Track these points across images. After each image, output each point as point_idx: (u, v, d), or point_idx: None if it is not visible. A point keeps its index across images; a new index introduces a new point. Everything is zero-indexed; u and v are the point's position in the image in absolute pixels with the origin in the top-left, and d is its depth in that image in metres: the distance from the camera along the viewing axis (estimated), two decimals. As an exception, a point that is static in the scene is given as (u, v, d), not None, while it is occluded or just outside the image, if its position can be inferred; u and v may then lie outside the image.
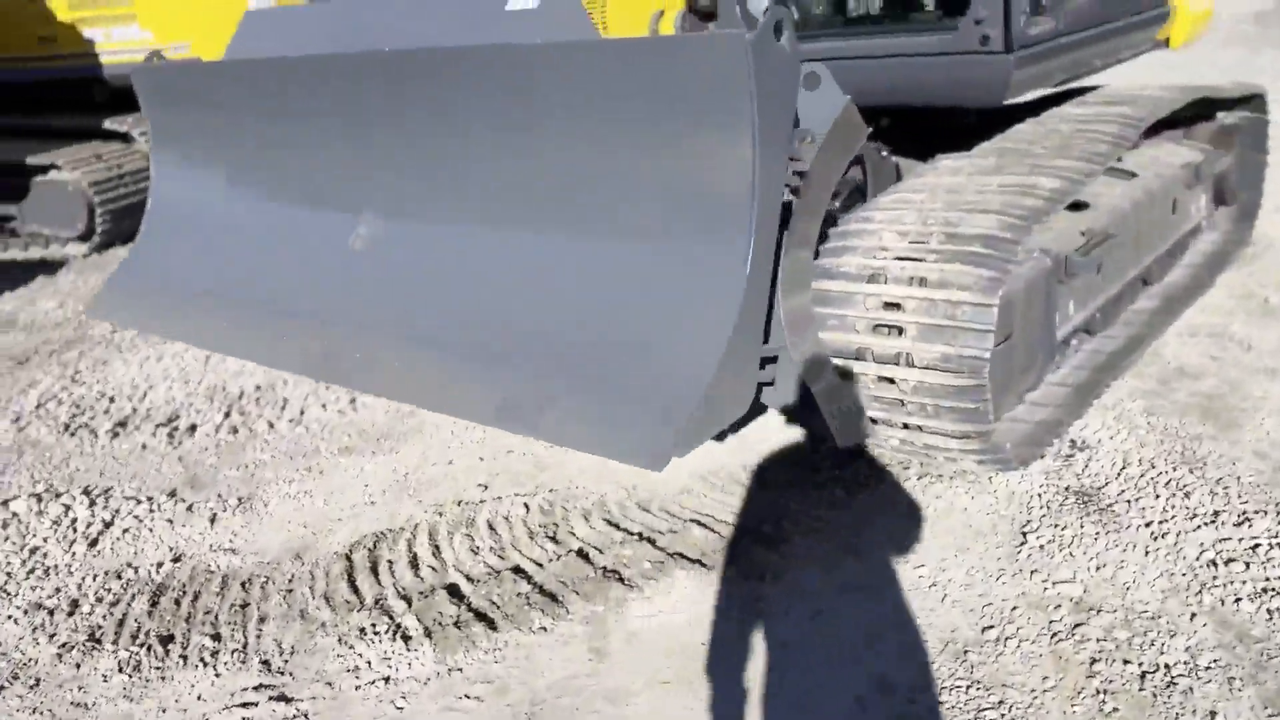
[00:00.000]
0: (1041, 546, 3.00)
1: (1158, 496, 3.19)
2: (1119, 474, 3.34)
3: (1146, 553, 2.93)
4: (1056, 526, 3.09)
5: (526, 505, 3.44)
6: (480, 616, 2.86)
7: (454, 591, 2.99)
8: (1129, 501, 3.19)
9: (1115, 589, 2.79)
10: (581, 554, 3.12)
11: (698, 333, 2.34)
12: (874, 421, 3.27)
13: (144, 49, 8.57)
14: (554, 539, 3.22)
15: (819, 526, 3.16)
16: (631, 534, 3.20)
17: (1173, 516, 3.08)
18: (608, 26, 4.37)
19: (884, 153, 4.03)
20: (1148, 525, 3.05)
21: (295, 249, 3.07)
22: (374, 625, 2.86)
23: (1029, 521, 3.13)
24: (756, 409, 2.86)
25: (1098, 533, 3.04)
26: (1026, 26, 3.35)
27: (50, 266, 7.61)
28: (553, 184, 2.70)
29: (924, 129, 4.28)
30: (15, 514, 3.80)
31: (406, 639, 2.78)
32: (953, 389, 3.05)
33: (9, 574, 3.42)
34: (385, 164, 2.90)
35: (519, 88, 2.61)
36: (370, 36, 2.87)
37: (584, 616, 2.83)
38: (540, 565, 3.08)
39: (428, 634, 2.79)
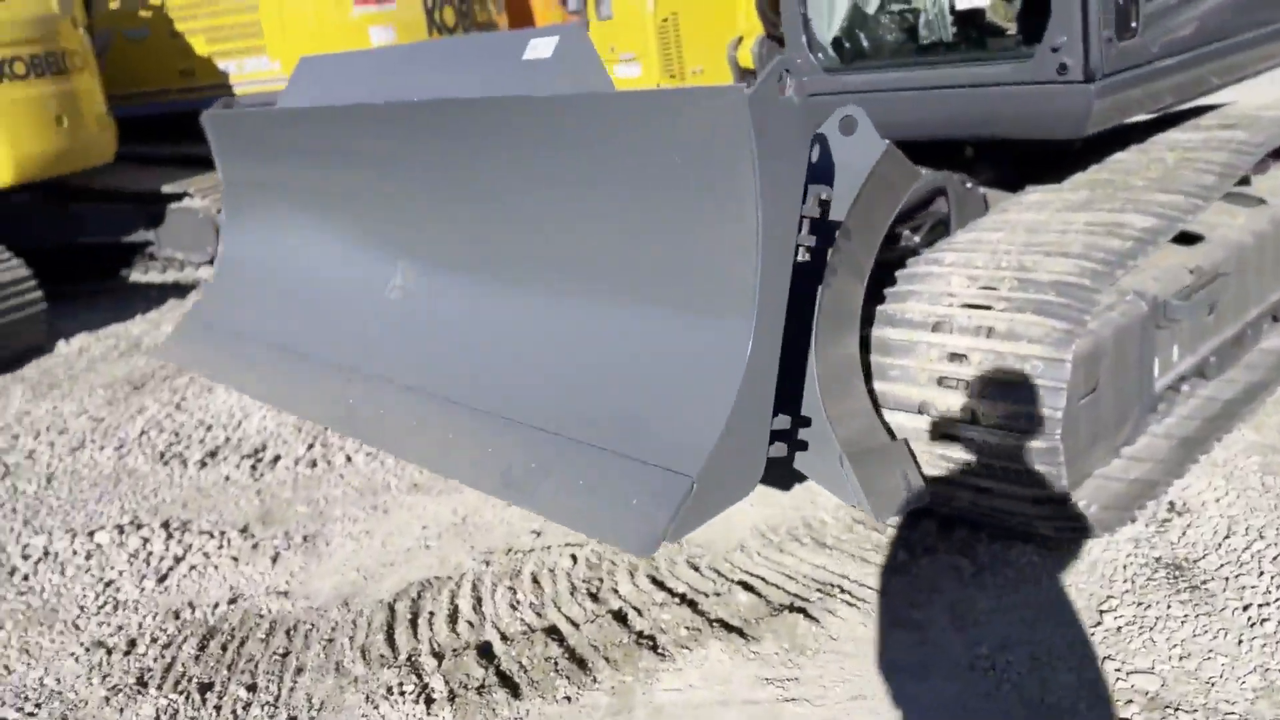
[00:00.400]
0: (1119, 628, 2.71)
1: (1262, 574, 2.85)
2: (1220, 545, 3.01)
3: (1240, 641, 2.61)
4: (1139, 605, 2.79)
5: (574, 557, 3.34)
6: (506, 681, 2.77)
7: (485, 651, 2.91)
8: (1227, 578, 2.86)
9: (1198, 684, 2.49)
10: (619, 616, 2.99)
11: (695, 411, 2.19)
12: (941, 482, 3.04)
13: (273, 79, 8.91)
14: (595, 597, 3.11)
15: (871, 597, 2.94)
16: (674, 595, 3.06)
17: (1277, 599, 2.74)
18: (682, 54, 4.24)
19: (968, 184, 3.77)
20: (1245, 608, 2.73)
21: (339, 298, 3.06)
22: (401, 685, 2.80)
23: (1109, 597, 2.84)
24: (798, 474, 2.68)
25: (1186, 614, 2.73)
26: (1112, 52, 3.05)
27: (181, 290, 7.97)
28: (557, 241, 2.60)
29: (1020, 155, 3.98)
30: (99, 545, 3.94)
31: (430, 702, 2.71)
32: (1021, 450, 2.79)
33: (82, 607, 3.53)
34: (414, 213, 2.86)
35: (513, 141, 2.52)
36: (401, 85, 2.83)
37: (611, 686, 2.70)
38: (576, 626, 2.97)
39: (451, 698, 2.72)
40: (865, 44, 3.54)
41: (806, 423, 2.56)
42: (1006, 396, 2.80)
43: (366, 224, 3.02)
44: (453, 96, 2.57)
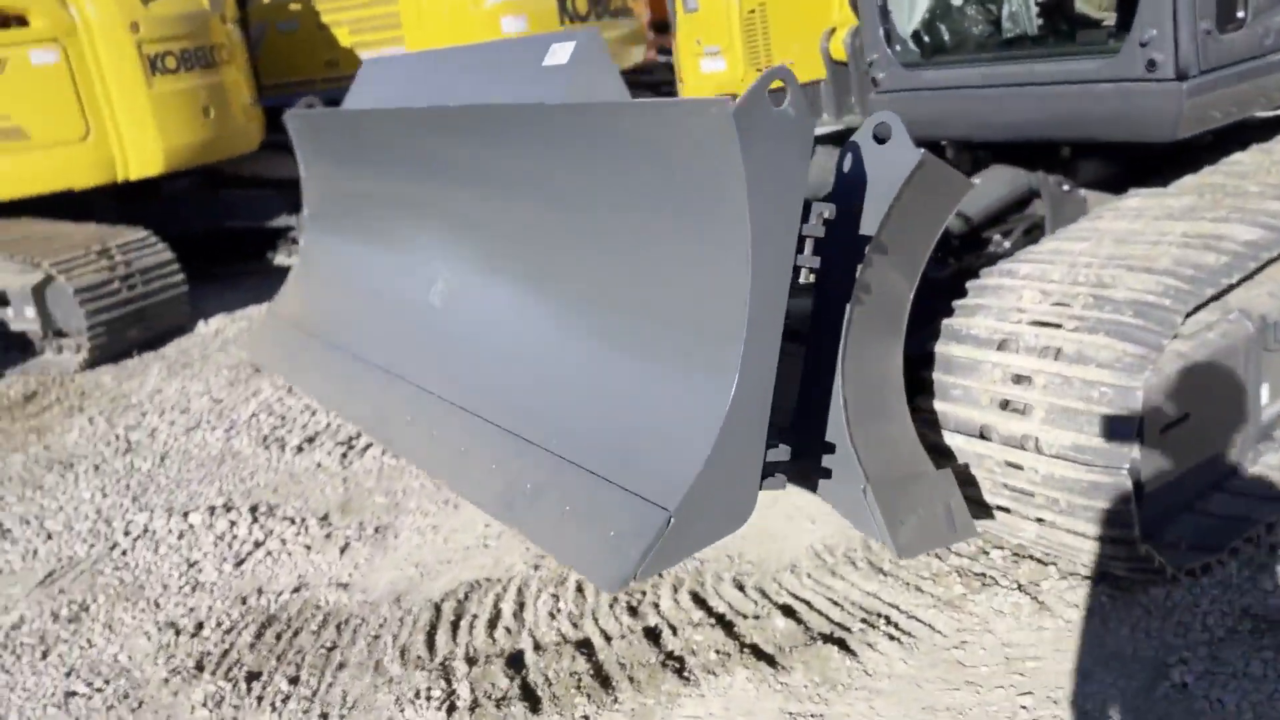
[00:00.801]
0: (1184, 685, 2.46)
1: (1364, 635, 2.54)
2: (1321, 598, 2.70)
3: (1323, 712, 2.33)
4: (1213, 659, 2.53)
5: (623, 568, 3.28)
6: (528, 694, 2.74)
7: (516, 661, 2.89)
8: (1322, 638, 2.56)
9: (1265, 757, 2.24)
10: (653, 633, 2.92)
11: (681, 440, 2.08)
12: (1004, 512, 2.84)
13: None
14: (634, 610, 3.04)
15: (918, 631, 2.77)
16: (713, 615, 2.97)
17: (1376, 666, 2.44)
18: (770, 47, 4.08)
19: (1066, 186, 3.49)
20: (1337, 674, 2.43)
21: (391, 301, 3.08)
22: (430, 690, 2.81)
23: (1181, 649, 2.58)
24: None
25: (1266, 674, 2.46)
26: (1211, 46, 2.74)
27: (316, 273, 8.26)
28: (559, 254, 2.53)
29: (1130, 154, 3.67)
30: (191, 525, 4.12)
31: (451, 710, 2.71)
32: (1087, 485, 2.57)
33: (165, 586, 3.70)
34: (449, 218, 2.85)
35: (515, 149, 2.47)
36: (439, 89, 2.81)
37: (631, 709, 2.64)
38: (608, 640, 2.92)
39: (472, 707, 2.72)
40: (946, 37, 3.31)
41: (830, 449, 2.42)
42: (1072, 425, 2.58)
43: (414, 227, 3.03)
44: (466, 103, 2.54)
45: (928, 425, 2.93)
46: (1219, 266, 2.68)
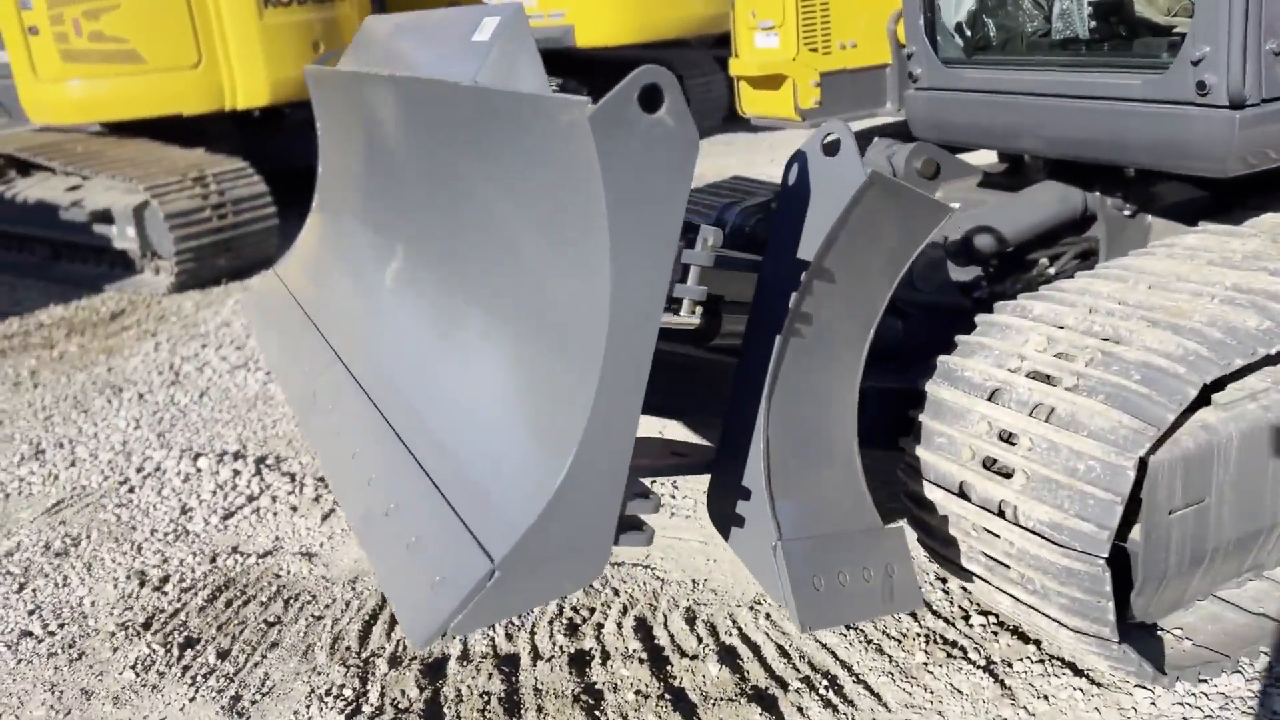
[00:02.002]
0: (1144, 818, 2.12)
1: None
2: (1340, 732, 2.29)
3: None
4: (1188, 791, 2.18)
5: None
6: (432, 710, 2.59)
7: (436, 670, 2.75)
8: (1326, 784, 2.17)
9: None
10: (581, 659, 2.73)
11: (525, 478, 1.84)
12: (980, 580, 2.53)
13: (532, 15, 8.98)
14: (574, 630, 2.85)
15: (861, 700, 2.49)
16: (650, 649, 2.75)
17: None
18: (829, 26, 3.72)
19: (1127, 211, 3.06)
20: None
21: (357, 275, 2.93)
22: (342, 688, 2.70)
23: (1153, 771, 2.23)
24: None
25: (1244, 822, 2.10)
26: (1275, 71, 2.29)
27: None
28: (450, 246, 2.33)
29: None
30: (199, 470, 4.13)
31: (354, 714, 2.59)
32: (1060, 569, 2.24)
33: (154, 530, 3.71)
34: (401, 193, 2.66)
35: (418, 128, 2.28)
36: (395, 56, 2.62)
37: (530, 742, 2.46)
38: (535, 660, 2.74)
39: (374, 715, 2.58)
40: (993, 32, 2.90)
41: (746, 495, 2.15)
42: (1051, 498, 2.24)
43: (380, 199, 2.86)
44: (390, 73, 2.36)
45: (909, 472, 2.62)
46: (1259, 332, 2.26)
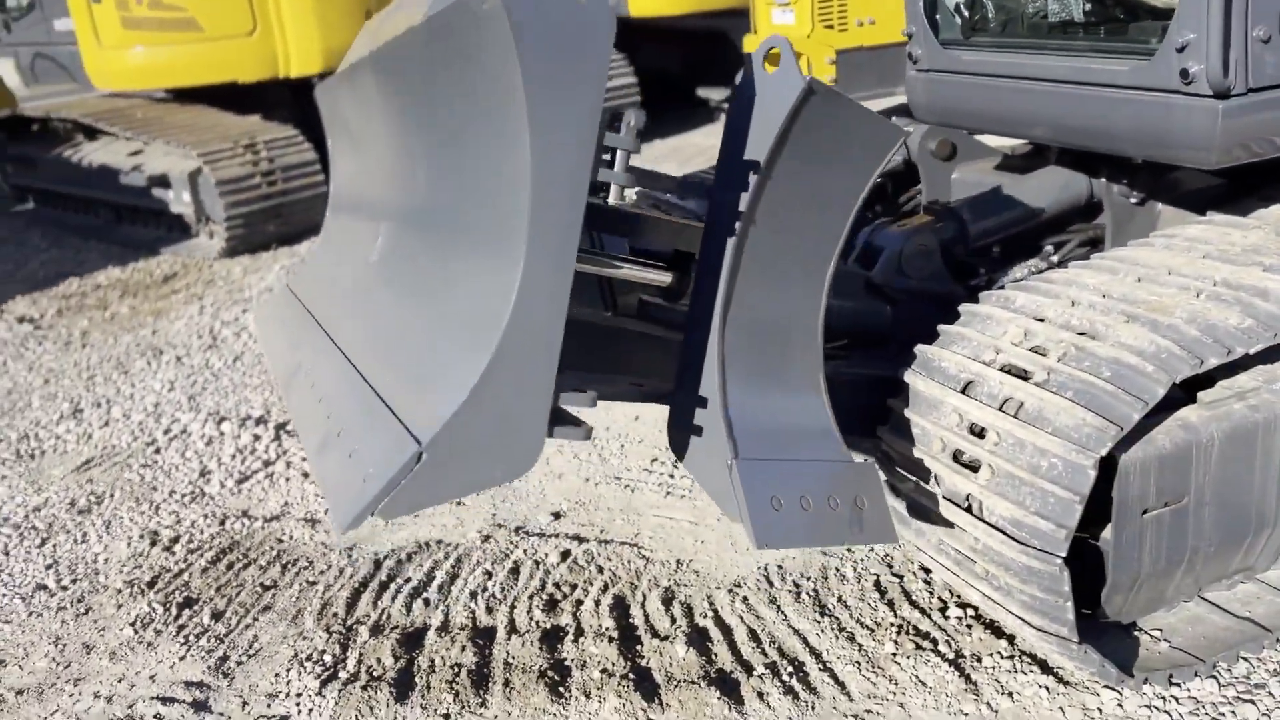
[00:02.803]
0: (1092, 823, 2.09)
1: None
2: (1312, 745, 2.22)
3: None
4: (1143, 797, 2.13)
5: (566, 554, 3.12)
6: (403, 679, 2.65)
7: (414, 640, 2.81)
8: (1289, 798, 2.11)
9: None
10: (554, 635, 2.76)
11: (454, 368, 1.85)
12: (950, 574, 2.50)
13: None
14: (553, 605, 2.89)
15: (824, 688, 2.48)
16: (624, 626, 2.77)
17: None
18: (847, 7, 3.64)
19: (1134, 198, 2.96)
20: None
21: (347, 262, 2.96)
22: (323, 654, 2.78)
23: (1110, 775, 2.19)
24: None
25: (1196, 831, 2.05)
26: (1262, 60, 2.17)
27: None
28: (406, 177, 2.39)
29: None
30: (222, 434, 4.25)
31: (326, 682, 2.66)
32: (1020, 567, 2.21)
33: (173, 491, 3.84)
34: (383, 172, 2.69)
35: (386, 87, 2.31)
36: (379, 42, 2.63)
37: (494, 715, 2.50)
38: (510, 633, 2.78)
39: (348, 682, 2.65)
40: (990, 13, 2.81)
41: (702, 416, 2.12)
42: (1014, 495, 2.20)
43: (372, 185, 2.89)
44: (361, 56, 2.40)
45: (884, 463, 2.60)
46: (1239, 331, 2.18)
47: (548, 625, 2.81)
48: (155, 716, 2.61)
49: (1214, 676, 2.39)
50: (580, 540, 3.20)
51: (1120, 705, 2.34)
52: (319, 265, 3.31)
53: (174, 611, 3.05)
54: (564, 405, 1.85)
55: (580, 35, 1.66)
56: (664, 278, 2.35)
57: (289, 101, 8.41)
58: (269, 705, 2.62)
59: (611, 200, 1.91)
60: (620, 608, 2.86)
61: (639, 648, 2.68)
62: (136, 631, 2.98)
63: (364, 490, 1.78)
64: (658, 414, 3.81)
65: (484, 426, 1.77)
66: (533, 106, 1.65)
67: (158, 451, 4.18)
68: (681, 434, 2.21)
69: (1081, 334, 2.29)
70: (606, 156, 1.95)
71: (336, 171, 3.40)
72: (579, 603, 2.89)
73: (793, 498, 2.06)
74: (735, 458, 2.03)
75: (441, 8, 1.94)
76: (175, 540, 3.47)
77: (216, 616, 3.01)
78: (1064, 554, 2.12)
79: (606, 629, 2.76)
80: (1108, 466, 2.16)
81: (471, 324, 1.87)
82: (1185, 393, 2.37)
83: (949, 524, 2.38)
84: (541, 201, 1.70)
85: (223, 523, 3.56)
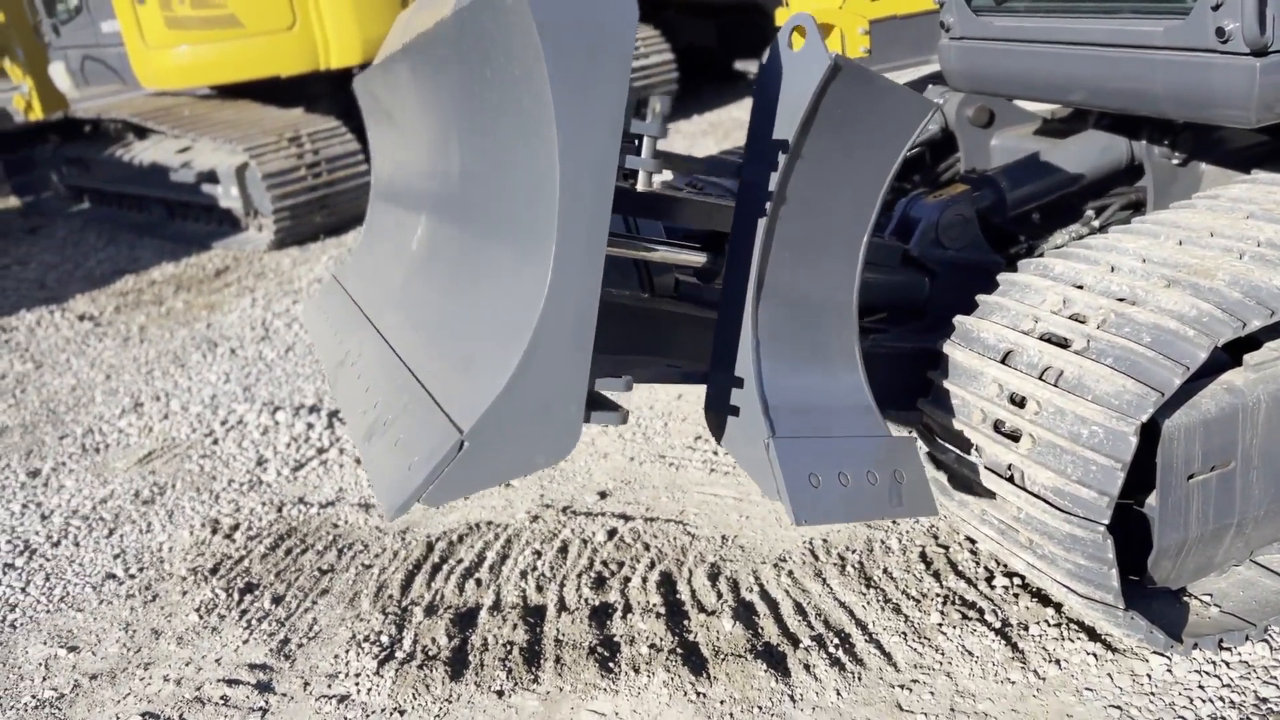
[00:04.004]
0: (1141, 787, 2.10)
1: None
2: (1366, 707, 2.21)
3: None
4: (1192, 761, 2.14)
5: (613, 532, 3.17)
6: (458, 658, 2.72)
7: (467, 619, 2.87)
8: (1341, 759, 2.10)
9: None
10: (603, 611, 2.81)
11: (491, 358, 1.90)
12: (994, 543, 2.51)
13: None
14: (601, 583, 2.94)
15: (871, 659, 2.51)
16: (670, 602, 2.81)
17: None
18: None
19: (1176, 160, 2.92)
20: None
21: (391, 254, 3.02)
22: (379, 635, 2.85)
23: (1159, 740, 2.20)
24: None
25: (1247, 794, 2.05)
26: None
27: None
28: (445, 172, 2.42)
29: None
30: (277, 423, 4.36)
31: (383, 663, 2.74)
32: (1064, 535, 2.21)
33: (231, 480, 3.94)
34: (424, 161, 2.74)
35: (425, 83, 2.35)
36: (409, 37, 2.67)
37: (545, 692, 2.56)
38: (561, 612, 2.83)
39: (404, 662, 2.72)
40: (1021, -24, 2.78)
41: (739, 396, 2.15)
42: (1055, 464, 2.20)
43: (413, 175, 2.94)
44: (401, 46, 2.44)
45: (925, 434, 2.60)
46: (1285, 290, 2.16)
47: (596, 602, 2.86)
48: (222, 698, 2.70)
49: (1265, 640, 2.37)
50: (626, 519, 3.25)
51: (1169, 671, 2.33)
52: (363, 256, 3.38)
53: (236, 597, 3.15)
54: (600, 390, 1.89)
55: (603, 27, 1.68)
56: (699, 258, 2.37)
57: (330, 93, 8.51)
58: (329, 685, 2.70)
59: (640, 187, 1.94)
60: (667, 584, 2.90)
61: (686, 623, 2.72)
62: (201, 617, 3.08)
63: (409, 478, 1.84)
64: (700, 392, 3.84)
65: (522, 414, 1.82)
66: (559, 99, 1.68)
67: (216, 442, 4.29)
68: (718, 414, 2.23)
69: (1121, 300, 2.28)
70: (634, 143, 1.98)
71: (377, 162, 3.46)
72: (626, 580, 2.94)
73: (830, 474, 2.08)
74: (772, 436, 2.06)
75: (469, 2, 1.97)
76: (235, 528, 3.57)
77: (277, 601, 3.10)
78: (1107, 521, 2.12)
79: (654, 605, 2.80)
80: (1151, 432, 2.15)
81: (507, 313, 1.92)
82: (1230, 356, 2.35)
83: (991, 494, 2.39)
84: (570, 191, 1.73)
85: (280, 510, 3.65)
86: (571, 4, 1.66)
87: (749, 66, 10.92)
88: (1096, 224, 3.06)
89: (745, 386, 2.13)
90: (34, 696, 2.81)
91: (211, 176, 7.35)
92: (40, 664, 2.95)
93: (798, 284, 2.15)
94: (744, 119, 9.47)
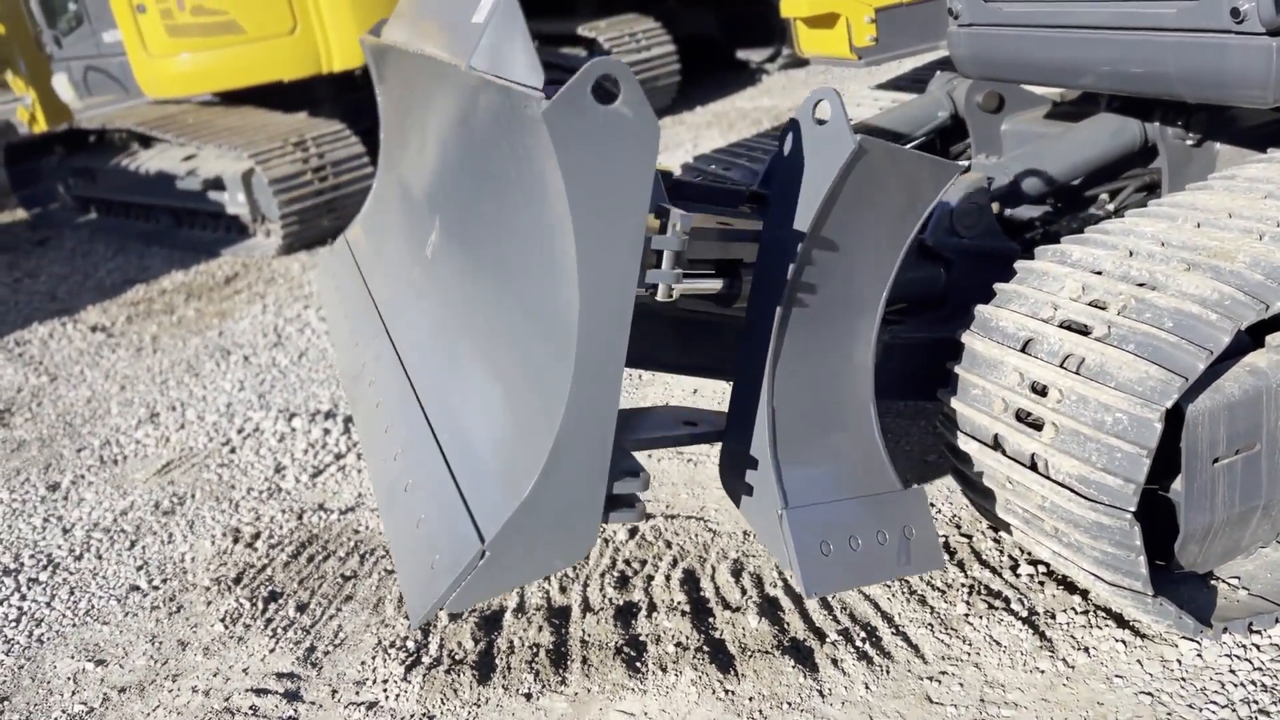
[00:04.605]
0: (1175, 773, 2.09)
1: None
2: (1398, 687, 2.19)
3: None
4: (1225, 746, 2.13)
5: (633, 531, 3.17)
6: (484, 661, 2.72)
7: (492, 622, 2.87)
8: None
9: None
10: (628, 611, 2.81)
11: (514, 460, 1.91)
12: (1018, 531, 2.50)
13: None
14: (624, 582, 2.94)
15: (898, 652, 2.50)
16: (693, 600, 2.81)
17: None
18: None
19: (1190, 141, 2.90)
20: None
21: (407, 243, 3.01)
22: (405, 640, 2.86)
23: (1195, 713, 2.19)
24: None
25: (1282, 778, 2.05)
26: None
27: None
28: (456, 217, 2.38)
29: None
30: (293, 429, 4.36)
31: (410, 668, 2.74)
32: (1090, 523, 2.20)
33: (249, 490, 3.95)
34: (433, 164, 2.73)
35: (432, 102, 2.32)
36: (416, 28, 2.65)
37: (574, 693, 2.56)
38: (585, 612, 2.83)
39: (431, 667, 2.73)
40: (1031, -40, 2.76)
41: (753, 465, 2.17)
42: (1079, 452, 2.19)
43: (420, 168, 2.93)
44: (412, 48, 2.42)
45: (946, 424, 2.60)
46: (1308, 271, 2.14)
47: (620, 602, 2.86)
48: (251, 708, 2.71)
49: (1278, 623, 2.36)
50: (647, 516, 3.24)
51: (1200, 656, 2.33)
52: (374, 227, 3.35)
53: (260, 605, 3.16)
54: (619, 491, 1.91)
55: (624, 146, 1.65)
56: (714, 285, 2.35)
57: (333, 96, 8.52)
58: (357, 692, 2.71)
59: (660, 297, 1.93)
60: (690, 581, 2.90)
61: (711, 620, 2.72)
62: (227, 627, 3.08)
63: (433, 583, 1.88)
64: (716, 387, 3.84)
65: (543, 522, 1.86)
66: (577, 215, 1.66)
67: (233, 451, 4.30)
68: (734, 477, 2.27)
69: (1141, 285, 2.27)
70: (655, 257, 1.96)
71: (387, 128, 3.42)
72: (650, 578, 2.94)
73: (841, 540, 2.12)
74: (785, 508, 2.09)
75: (488, 79, 1.94)
76: (256, 536, 3.58)
77: (301, 608, 3.11)
78: (1134, 509, 2.11)
79: (678, 603, 2.80)
80: (1174, 417, 2.14)
81: (530, 415, 1.92)
82: (1252, 338, 2.34)
83: (1014, 484, 2.38)
84: (590, 308, 1.73)
85: (300, 517, 3.66)
86: (592, 121, 1.62)
87: (751, 55, 10.89)
88: (1111, 207, 3.04)
89: (760, 453, 2.16)
90: (64, 711, 2.82)
91: (217, 183, 7.36)
92: (69, 678, 2.96)
93: (815, 350, 2.16)
94: (749, 109, 9.46)
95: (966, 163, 2.53)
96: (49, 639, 3.17)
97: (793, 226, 2.03)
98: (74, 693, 2.90)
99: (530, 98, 1.65)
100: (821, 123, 1.95)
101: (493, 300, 2.21)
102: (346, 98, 8.54)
